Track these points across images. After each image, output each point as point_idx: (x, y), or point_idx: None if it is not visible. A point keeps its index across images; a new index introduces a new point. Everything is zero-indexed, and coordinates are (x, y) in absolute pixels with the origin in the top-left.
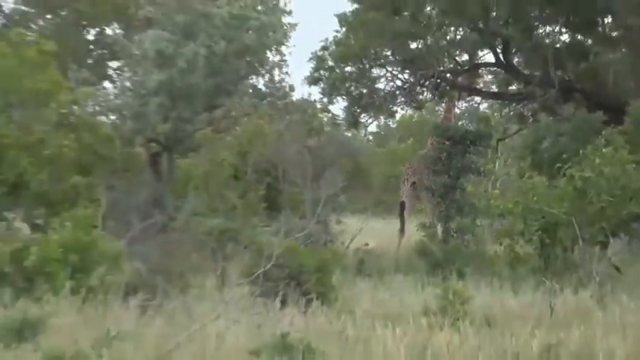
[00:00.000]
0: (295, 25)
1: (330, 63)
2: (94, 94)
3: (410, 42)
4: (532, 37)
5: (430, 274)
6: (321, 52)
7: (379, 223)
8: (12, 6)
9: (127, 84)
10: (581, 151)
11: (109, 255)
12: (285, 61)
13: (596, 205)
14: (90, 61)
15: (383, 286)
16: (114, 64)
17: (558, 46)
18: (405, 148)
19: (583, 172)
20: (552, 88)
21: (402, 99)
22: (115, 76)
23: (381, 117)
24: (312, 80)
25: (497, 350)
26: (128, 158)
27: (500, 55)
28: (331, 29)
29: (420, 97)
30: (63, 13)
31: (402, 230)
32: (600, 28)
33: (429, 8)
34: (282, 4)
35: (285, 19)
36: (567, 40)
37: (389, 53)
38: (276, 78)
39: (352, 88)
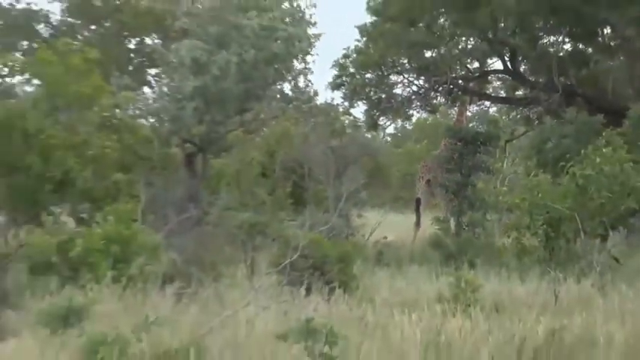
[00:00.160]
0: (319, 35)
1: (352, 70)
2: (134, 98)
3: (425, 51)
4: (537, 46)
5: (444, 264)
6: (343, 60)
7: (397, 218)
8: (59, 18)
9: (165, 89)
10: (582, 151)
11: (148, 246)
12: (309, 68)
13: (597, 201)
14: (130, 68)
15: (400, 276)
16: (152, 71)
17: (561, 54)
18: (421, 148)
19: (584, 170)
20: (556, 93)
21: (418, 103)
22: (153, 82)
23: (398, 120)
24: (335, 86)
25: (505, 334)
26: (165, 158)
27: (508, 63)
28: (352, 39)
29: (434, 101)
30: (106, 24)
31: (417, 224)
32: (600, 38)
33: (442, 20)
34: (307, 17)
35: (310, 30)
36: (570, 49)
37: (405, 61)
38: (302, 84)
39: (372, 93)
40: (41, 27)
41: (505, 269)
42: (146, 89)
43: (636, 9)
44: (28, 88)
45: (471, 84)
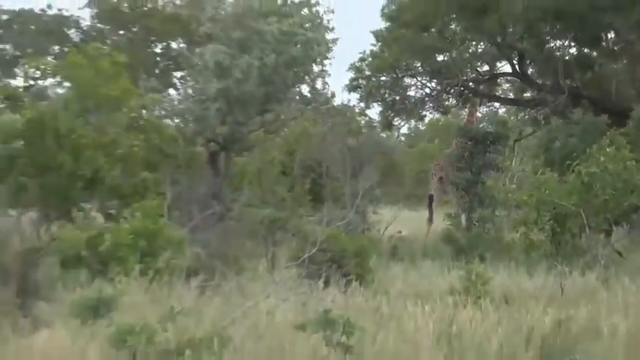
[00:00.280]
0: (336, 39)
1: (367, 73)
2: (160, 100)
3: (437, 55)
4: (544, 50)
5: (455, 258)
6: (359, 64)
7: (410, 214)
8: (89, 23)
9: (190, 91)
10: (588, 150)
11: (173, 241)
12: (326, 71)
13: (601, 198)
14: (157, 71)
15: (414, 269)
16: (178, 74)
17: (567, 58)
18: (433, 147)
19: (589, 168)
20: (562, 94)
21: (430, 105)
22: (179, 84)
23: (412, 120)
24: (352, 88)
25: (514, 325)
26: (190, 156)
27: (517, 66)
28: (366, 42)
29: (446, 103)
30: (134, 29)
31: (430, 220)
32: (604, 43)
33: (453, 26)
34: (325, 22)
35: (328, 35)
36: (575, 53)
37: (419, 65)
38: (319, 86)
39: (386, 95)
40: (72, 32)
41: (514, 263)
42: (172, 91)
43: (638, 14)
44: (60, 91)
45: (481, 86)
